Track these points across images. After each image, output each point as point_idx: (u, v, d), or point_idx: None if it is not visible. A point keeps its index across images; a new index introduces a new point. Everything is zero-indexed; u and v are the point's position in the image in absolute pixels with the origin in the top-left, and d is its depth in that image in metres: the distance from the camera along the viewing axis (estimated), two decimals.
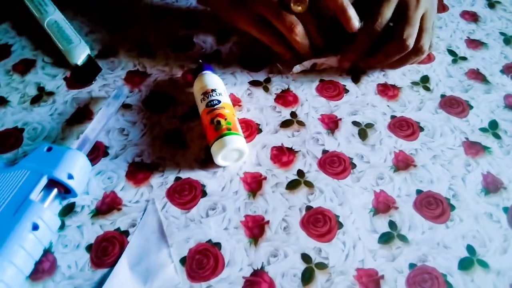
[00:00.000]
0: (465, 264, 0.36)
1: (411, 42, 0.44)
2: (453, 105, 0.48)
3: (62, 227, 0.37)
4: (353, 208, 0.39)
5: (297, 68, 0.49)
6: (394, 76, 0.51)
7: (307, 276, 0.35)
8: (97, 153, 0.42)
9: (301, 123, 0.46)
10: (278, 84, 0.49)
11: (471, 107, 0.48)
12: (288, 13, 0.45)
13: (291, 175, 0.41)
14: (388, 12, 0.44)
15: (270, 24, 0.46)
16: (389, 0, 0.44)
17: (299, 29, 0.45)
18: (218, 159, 0.40)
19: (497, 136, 0.45)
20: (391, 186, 0.41)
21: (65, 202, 0.39)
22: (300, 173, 0.42)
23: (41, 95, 0.48)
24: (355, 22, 0.44)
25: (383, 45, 0.46)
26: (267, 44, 0.48)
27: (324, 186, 0.41)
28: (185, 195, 0.40)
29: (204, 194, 0.40)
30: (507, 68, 0.52)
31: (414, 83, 0.50)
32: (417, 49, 0.45)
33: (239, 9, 0.48)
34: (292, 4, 0.44)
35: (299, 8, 0.44)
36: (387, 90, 0.49)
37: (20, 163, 0.38)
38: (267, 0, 0.45)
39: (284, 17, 0.45)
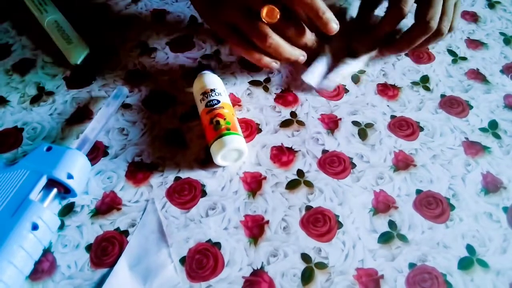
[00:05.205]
0: (464, 264, 0.36)
1: (434, 24, 0.44)
2: (453, 105, 0.48)
3: (61, 227, 0.37)
4: (353, 208, 0.39)
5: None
6: (394, 76, 0.51)
7: (307, 276, 0.35)
8: (96, 152, 0.42)
9: (301, 123, 0.46)
10: (278, 84, 0.49)
11: (471, 107, 0.48)
12: (260, 22, 0.40)
13: (291, 175, 0.41)
14: None
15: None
16: None
17: (271, 41, 0.40)
18: (218, 159, 0.40)
19: (497, 136, 0.45)
20: (391, 185, 0.41)
21: (64, 202, 0.39)
22: (300, 173, 0.42)
23: (40, 94, 0.48)
24: (333, 24, 0.40)
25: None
26: (244, 56, 0.44)
27: (324, 186, 0.40)
28: (185, 195, 0.40)
29: (203, 194, 0.40)
30: (507, 68, 0.52)
31: (414, 83, 0.50)
32: (437, 31, 0.45)
33: (212, 16, 0.43)
34: (263, 16, 0.39)
35: (270, 19, 0.40)
36: (387, 90, 0.49)
37: (19, 162, 0.38)
38: (235, 7, 0.41)
39: (255, 28, 0.40)
